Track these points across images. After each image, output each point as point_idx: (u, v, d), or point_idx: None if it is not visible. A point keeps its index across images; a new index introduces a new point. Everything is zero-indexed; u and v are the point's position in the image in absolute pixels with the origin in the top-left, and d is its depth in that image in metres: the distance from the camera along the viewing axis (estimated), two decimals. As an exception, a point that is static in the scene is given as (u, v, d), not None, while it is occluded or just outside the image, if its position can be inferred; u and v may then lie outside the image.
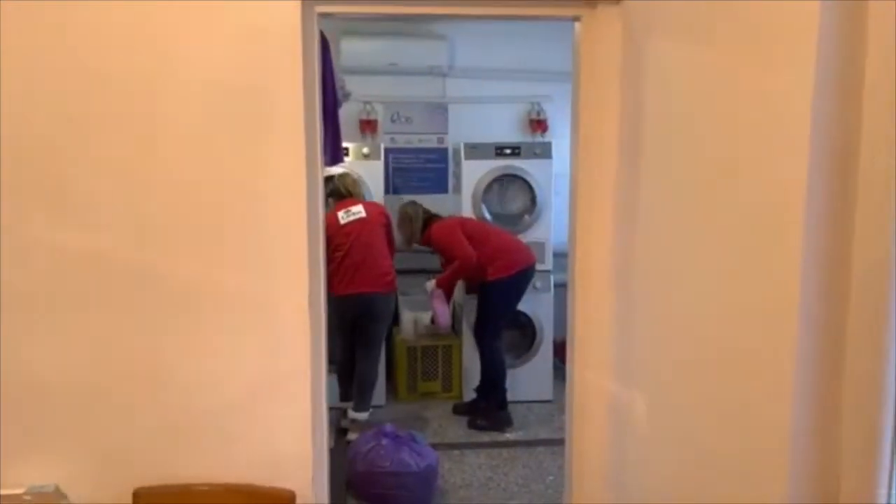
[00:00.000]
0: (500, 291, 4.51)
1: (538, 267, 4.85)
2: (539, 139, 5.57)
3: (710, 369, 1.66)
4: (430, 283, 4.51)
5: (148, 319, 2.03)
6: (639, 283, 1.96)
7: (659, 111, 1.88)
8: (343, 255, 4.14)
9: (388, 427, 3.67)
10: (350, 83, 5.41)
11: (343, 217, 4.21)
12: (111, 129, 1.95)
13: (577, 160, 2.19)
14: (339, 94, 2.63)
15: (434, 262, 5.09)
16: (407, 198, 5.54)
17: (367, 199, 4.69)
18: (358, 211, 4.24)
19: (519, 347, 5.05)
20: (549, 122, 5.63)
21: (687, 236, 1.75)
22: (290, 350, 2.05)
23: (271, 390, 2.07)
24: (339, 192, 4.38)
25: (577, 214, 2.20)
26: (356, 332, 4.27)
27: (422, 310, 5.07)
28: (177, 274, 2.01)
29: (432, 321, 4.66)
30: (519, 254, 4.54)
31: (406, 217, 4.62)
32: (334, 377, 4.46)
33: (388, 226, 4.34)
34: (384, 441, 3.57)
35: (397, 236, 4.58)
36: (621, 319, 2.07)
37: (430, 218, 4.62)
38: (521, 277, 4.53)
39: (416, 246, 4.74)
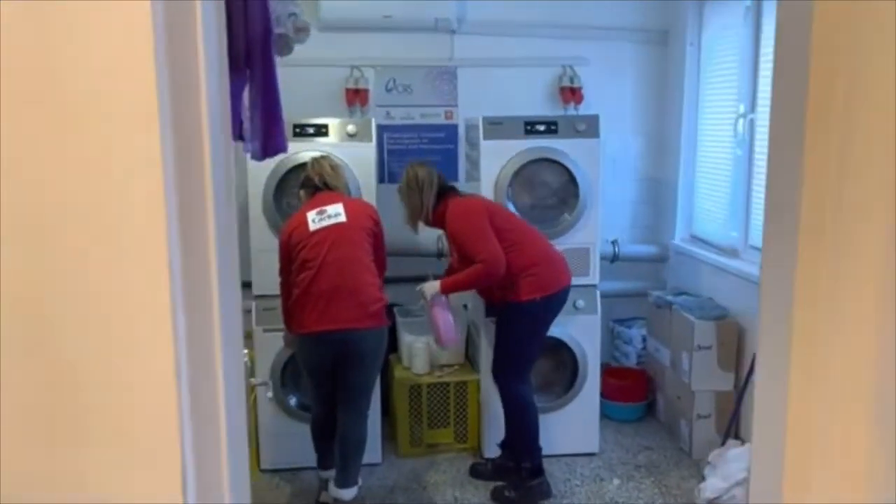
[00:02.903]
0: (530, 317, 3.33)
1: (581, 281, 3.71)
2: (573, 112, 4.39)
3: None
4: (431, 286, 3.31)
5: None
6: None
7: None
8: (313, 275, 2.96)
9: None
10: (333, 43, 4.24)
11: (314, 220, 3.03)
12: None
13: (802, 139, 0.98)
14: (280, 29, 1.44)
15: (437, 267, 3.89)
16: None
17: (354, 193, 3.51)
18: (336, 212, 3.05)
19: (554, 384, 3.89)
20: (585, 91, 4.44)
21: None
22: None
23: None
24: (311, 183, 3.20)
25: (803, 237, 1.00)
26: (334, 379, 3.10)
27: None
28: None
29: (436, 340, 3.44)
30: (560, 268, 3.36)
31: (415, 182, 3.34)
32: (307, 426, 3.32)
33: (377, 234, 3.16)
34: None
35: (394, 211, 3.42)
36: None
37: (446, 191, 3.37)
38: (558, 300, 3.36)
39: (423, 230, 3.51)
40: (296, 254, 3.02)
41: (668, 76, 4.54)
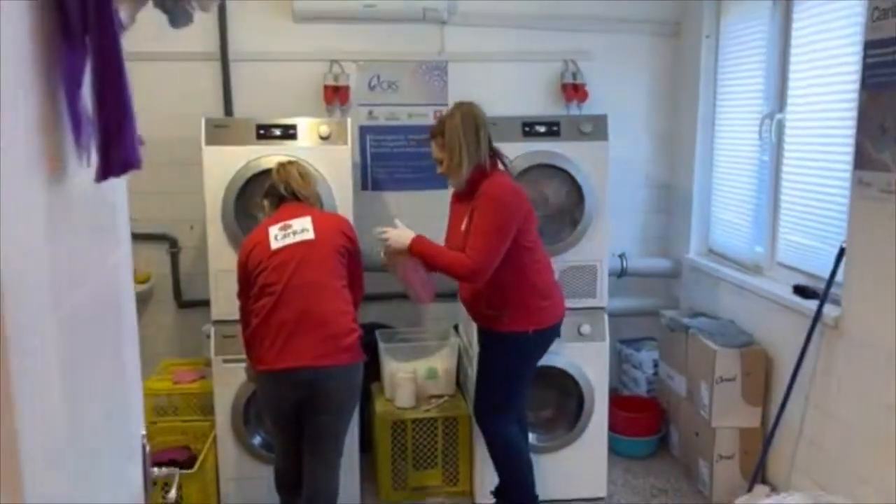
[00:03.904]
0: (519, 349, 2.86)
1: (587, 303, 3.31)
2: (576, 111, 3.96)
3: None
4: (399, 240, 2.72)
5: None
6: None
7: None
8: (274, 302, 2.52)
9: None
10: (310, 35, 3.82)
11: (277, 237, 2.59)
12: None
13: None
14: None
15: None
16: (391, 195, 3.97)
17: (328, 204, 3.06)
18: (302, 227, 2.61)
19: (557, 421, 3.45)
20: (590, 88, 4.00)
21: None
22: None
23: None
24: (276, 192, 2.75)
25: None
26: (300, 425, 2.65)
27: (422, 356, 3.48)
28: None
29: (413, 298, 2.89)
30: (561, 298, 2.91)
31: (472, 120, 2.71)
32: (272, 469, 2.87)
33: (351, 252, 2.71)
34: None
35: (446, 153, 2.74)
36: None
37: (495, 157, 2.82)
38: (553, 332, 2.90)
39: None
40: (254, 277, 2.58)
41: (681, 71, 4.09)
